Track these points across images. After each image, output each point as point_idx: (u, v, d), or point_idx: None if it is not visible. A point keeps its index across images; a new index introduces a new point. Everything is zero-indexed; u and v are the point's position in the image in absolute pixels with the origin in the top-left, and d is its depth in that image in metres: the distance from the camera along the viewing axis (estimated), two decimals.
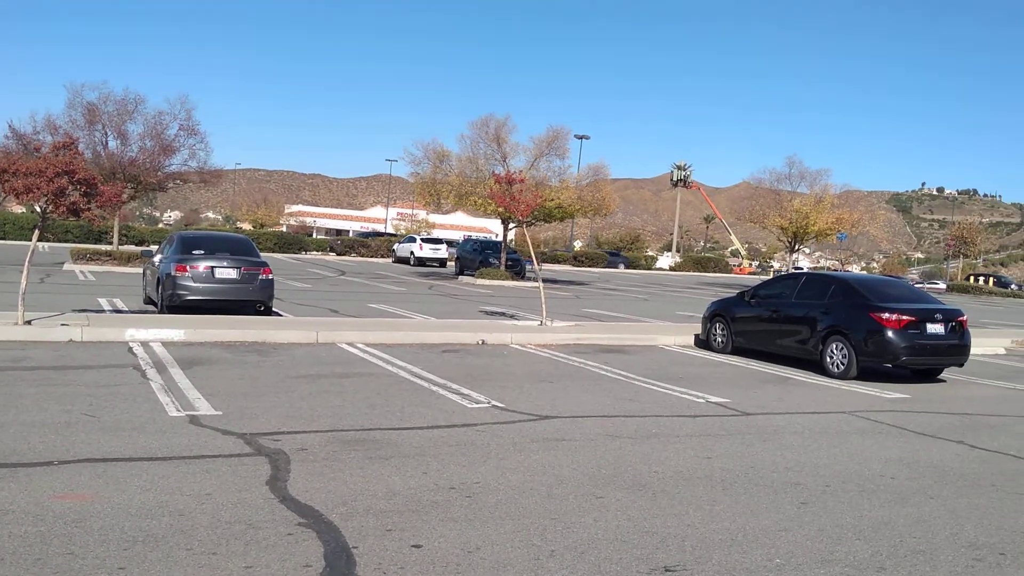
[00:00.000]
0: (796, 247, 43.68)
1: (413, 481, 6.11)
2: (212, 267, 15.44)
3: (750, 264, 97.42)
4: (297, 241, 59.59)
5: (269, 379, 10.02)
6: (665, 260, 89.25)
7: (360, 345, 13.24)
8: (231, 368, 10.65)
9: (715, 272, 71.23)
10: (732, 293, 16.80)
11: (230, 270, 15.58)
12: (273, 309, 16.66)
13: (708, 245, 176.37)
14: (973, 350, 15.41)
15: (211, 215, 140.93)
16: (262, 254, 17.59)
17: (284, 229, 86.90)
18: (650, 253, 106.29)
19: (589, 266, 65.03)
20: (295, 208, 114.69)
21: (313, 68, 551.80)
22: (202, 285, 15.31)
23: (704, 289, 40.24)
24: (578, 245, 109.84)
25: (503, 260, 37.86)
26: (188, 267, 15.28)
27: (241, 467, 6.24)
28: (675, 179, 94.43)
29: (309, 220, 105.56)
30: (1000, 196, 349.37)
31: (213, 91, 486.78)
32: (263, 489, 5.74)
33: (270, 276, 15.96)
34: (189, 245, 16.12)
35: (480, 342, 14.51)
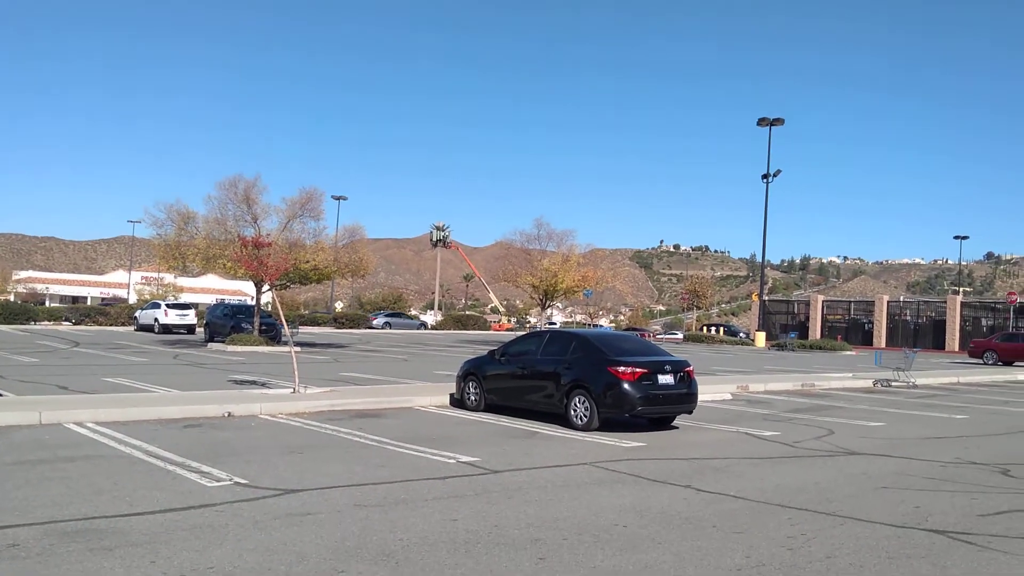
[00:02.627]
0: (548, 304, 45.56)
1: (139, 572, 5.69)
2: None
3: (509, 320, 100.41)
4: (25, 311, 54.55)
5: None
6: (427, 319, 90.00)
7: (90, 424, 12.26)
8: None
9: (475, 329, 72.70)
10: (488, 351, 17.19)
11: None
12: None
13: (469, 303, 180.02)
14: (703, 396, 16.70)
15: None
16: None
17: (11, 297, 79.44)
18: (413, 312, 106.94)
19: (350, 328, 64.35)
20: (24, 274, 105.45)
21: (41, 127, 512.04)
22: None
23: (464, 347, 40.91)
24: (339, 306, 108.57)
25: (256, 325, 36.62)
26: None
27: None
28: (435, 239, 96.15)
29: (41, 287, 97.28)
30: (729, 252, 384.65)
31: None
32: None
33: None
34: None
35: (226, 414, 13.89)
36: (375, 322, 68.68)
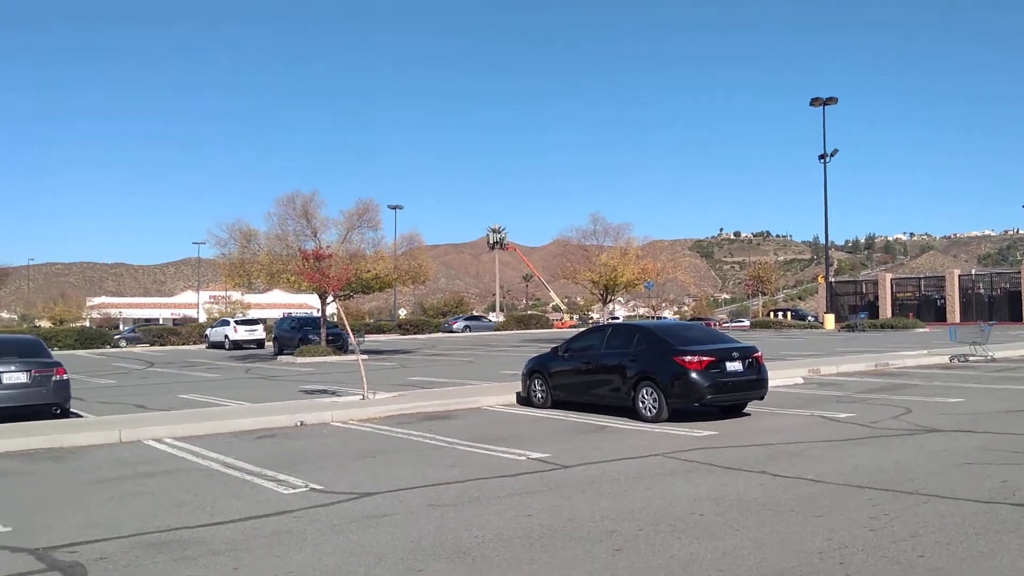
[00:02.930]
0: (608, 298, 45.35)
1: None
2: None
3: (571, 317, 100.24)
4: (100, 336, 56.19)
5: (66, 487, 9.34)
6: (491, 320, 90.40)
7: (168, 440, 12.57)
8: (23, 479, 9.86)
9: (537, 328, 72.76)
10: (552, 348, 17.18)
11: (19, 374, 14.48)
12: (71, 410, 15.59)
13: (530, 302, 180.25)
14: (774, 381, 16.46)
15: (4, 315, 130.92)
16: (63, 352, 16.51)
17: (87, 323, 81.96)
18: (475, 314, 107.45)
19: (415, 333, 64.93)
20: (97, 300, 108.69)
21: (104, 154, 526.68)
22: None
23: (527, 346, 40.95)
24: (403, 313, 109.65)
25: (323, 335, 37.16)
26: None
27: None
28: (491, 242, 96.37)
29: (114, 311, 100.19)
30: (791, 235, 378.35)
31: None
32: None
33: (65, 376, 14.95)
34: None
35: (298, 423, 14.12)
36: (455, 326, 70.47)
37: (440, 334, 65.41)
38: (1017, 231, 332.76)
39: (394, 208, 77.87)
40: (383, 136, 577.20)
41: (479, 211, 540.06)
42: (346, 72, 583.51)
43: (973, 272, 75.14)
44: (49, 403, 14.83)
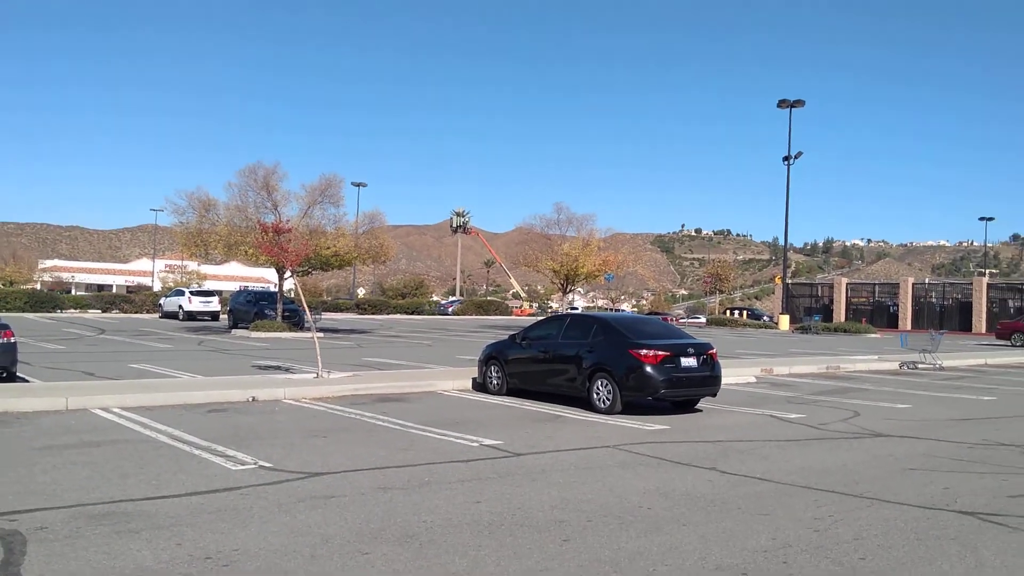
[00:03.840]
0: (568, 289, 45.47)
1: (165, 554, 5.73)
2: None
3: (530, 306, 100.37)
4: (52, 299, 55.09)
5: (8, 453, 9.14)
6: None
7: (116, 409, 12.36)
8: None
9: (496, 315, 72.75)
10: (510, 335, 17.17)
11: None
12: (18, 375, 15.27)
13: (491, 288, 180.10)
14: (727, 379, 16.63)
15: None
16: (12, 314, 16.15)
17: (38, 286, 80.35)
18: (434, 298, 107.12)
19: (373, 313, 64.58)
20: (50, 263, 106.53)
21: (64, 118, 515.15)
22: None
23: (485, 332, 40.94)
24: (361, 292, 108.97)
25: (279, 311, 36.81)
26: None
27: None
28: (455, 225, 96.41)
29: (67, 276, 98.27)
30: (751, 235, 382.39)
31: None
32: None
33: (12, 339, 14.62)
34: None
35: (250, 399, 13.97)
36: (450, 309, 73.24)
37: (399, 315, 65.10)
38: (971, 243, 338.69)
39: (358, 185, 77.23)
40: (349, 114, 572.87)
41: (443, 194, 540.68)
42: (314, 49, 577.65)
43: (927, 281, 76.68)
44: None
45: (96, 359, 21.30)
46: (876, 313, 67.98)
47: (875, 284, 78.43)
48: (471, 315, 71.36)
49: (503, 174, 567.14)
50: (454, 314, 71.47)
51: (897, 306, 67.59)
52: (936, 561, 6.06)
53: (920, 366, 25.28)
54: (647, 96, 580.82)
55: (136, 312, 54.21)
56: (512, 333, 16.83)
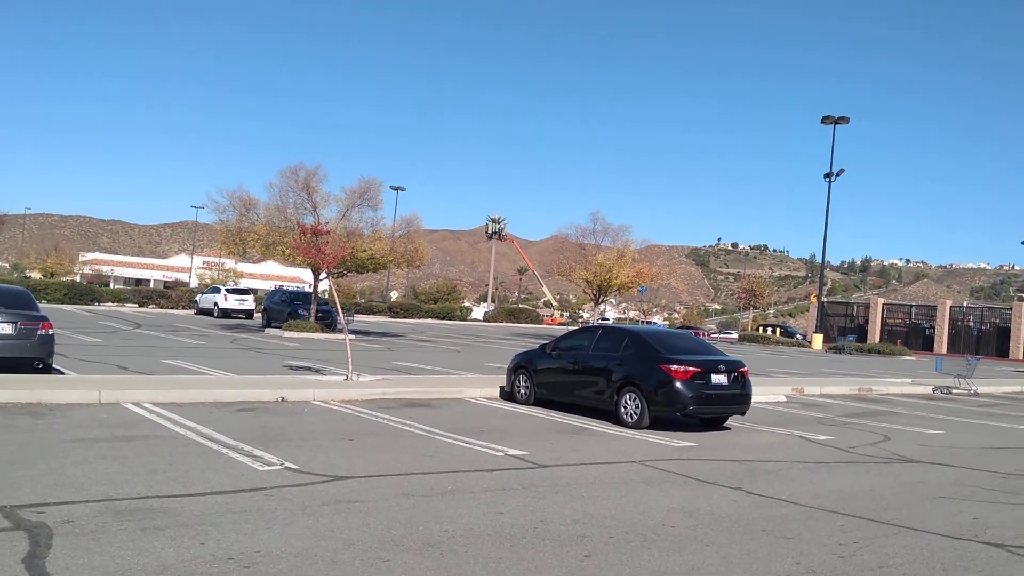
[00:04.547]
0: (601, 299, 45.38)
1: (188, 553, 5.79)
2: None
3: (561, 315, 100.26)
4: (90, 292, 55.96)
5: (40, 444, 9.29)
6: (480, 311, 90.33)
7: (147, 405, 12.52)
8: None
9: (527, 323, 72.74)
10: (539, 344, 17.16)
11: (4, 324, 14.35)
12: (54, 366, 15.52)
13: (522, 296, 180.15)
14: (757, 398, 16.47)
15: None
16: (51, 306, 16.42)
17: (77, 279, 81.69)
18: (466, 304, 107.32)
19: (405, 317, 64.87)
20: (90, 256, 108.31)
21: (110, 113, 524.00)
22: None
23: (515, 340, 40.95)
24: (394, 296, 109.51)
25: (313, 312, 37.09)
26: None
27: None
28: (490, 231, 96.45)
29: (106, 269, 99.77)
30: (788, 251, 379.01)
31: None
32: (17, 568, 5.28)
33: (50, 331, 14.86)
34: None
35: (280, 399, 14.08)
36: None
37: (430, 320, 65.31)
38: (1012, 267, 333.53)
39: (396, 189, 77.76)
40: (391, 115, 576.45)
41: (480, 200, 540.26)
42: (360, 50, 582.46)
43: (965, 304, 75.45)
44: (32, 357, 14.73)
45: (130, 353, 21.61)
46: (912, 335, 67.14)
47: (912, 305, 77.40)
48: (502, 322, 71.40)
49: (540, 181, 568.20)
50: (485, 320, 71.59)
51: (933, 329, 66.66)
52: None
53: (955, 391, 24.89)
54: (689, 104, 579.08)
55: (172, 308, 54.93)
56: (542, 343, 16.82)
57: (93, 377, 15.34)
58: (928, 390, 25.08)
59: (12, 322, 14.48)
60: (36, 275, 78.19)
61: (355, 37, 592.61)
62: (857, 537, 7.36)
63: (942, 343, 64.49)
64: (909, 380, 27.47)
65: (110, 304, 53.85)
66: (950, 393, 24.68)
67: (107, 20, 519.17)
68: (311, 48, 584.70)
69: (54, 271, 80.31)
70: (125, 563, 5.50)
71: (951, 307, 68.94)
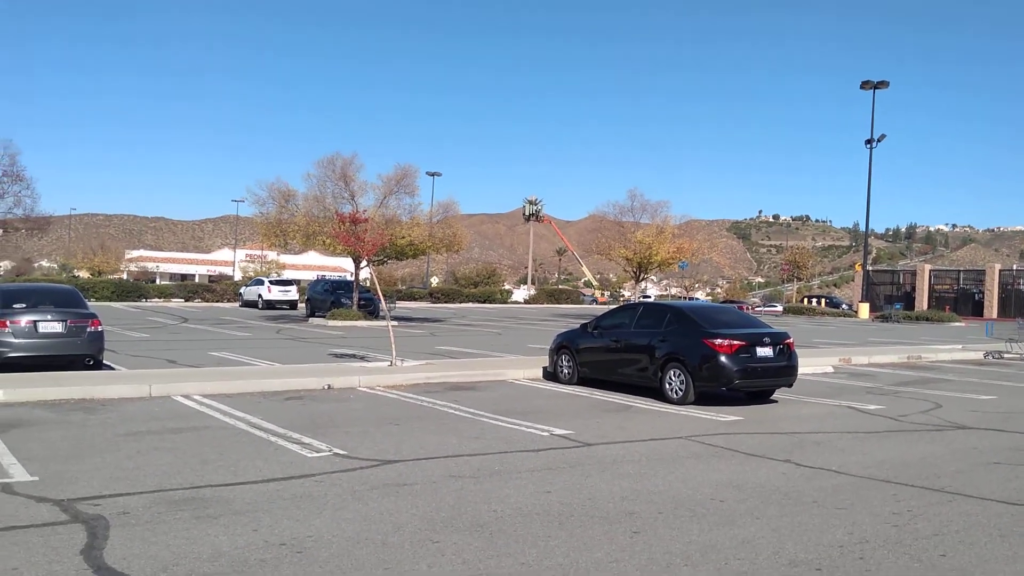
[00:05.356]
0: (642, 277, 45.10)
1: (242, 539, 5.88)
2: (35, 321, 14.55)
3: (602, 294, 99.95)
4: (137, 288, 56.91)
5: (94, 439, 9.48)
6: (520, 293, 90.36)
7: (197, 397, 12.73)
8: (53, 429, 10.02)
9: (568, 303, 72.66)
10: (581, 324, 17.12)
11: (55, 323, 14.72)
12: (104, 362, 15.83)
13: (562, 277, 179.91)
14: (803, 369, 16.31)
15: (45, 263, 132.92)
16: (99, 303, 16.75)
17: (124, 276, 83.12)
18: (506, 287, 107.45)
19: (446, 302, 65.13)
20: (136, 253, 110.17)
21: (150, 111, 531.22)
22: (25, 341, 14.43)
23: (557, 321, 40.93)
24: (435, 281, 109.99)
25: (355, 300, 37.36)
26: (8, 322, 14.37)
27: (54, 537, 5.86)
28: (527, 213, 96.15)
29: (152, 266, 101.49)
30: (831, 221, 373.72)
31: (41, 135, 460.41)
32: (76, 559, 5.41)
33: (99, 328, 15.17)
34: (9, 298, 15.19)
35: (326, 387, 14.23)
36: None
37: (471, 304, 65.52)
38: None
39: (432, 175, 77.79)
40: (424, 100, 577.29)
41: (516, 181, 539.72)
42: (390, 37, 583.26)
43: (1014, 268, 73.84)
44: (83, 354, 15.07)
45: (178, 347, 21.97)
46: (960, 301, 65.90)
47: (959, 271, 75.94)
48: (543, 303, 71.39)
49: (576, 161, 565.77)
50: (526, 302, 71.59)
51: (983, 294, 65.33)
52: (1020, 559, 5.86)
53: (1006, 356, 24.41)
54: (724, 77, 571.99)
55: (217, 301, 55.67)
56: (583, 322, 16.78)
57: (143, 371, 15.62)
58: (979, 356, 24.62)
59: (62, 320, 14.81)
60: (84, 274, 79.63)
61: (384, 25, 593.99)
62: (911, 506, 7.26)
63: (992, 308, 63.20)
64: (959, 346, 26.99)
65: (156, 300, 54.73)
66: (1001, 358, 24.21)
67: (143, 19, 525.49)
68: (341, 38, 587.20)
69: (101, 270, 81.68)
70: (180, 551, 5.60)
71: (1000, 271, 67.50)
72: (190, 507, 6.69)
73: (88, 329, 14.96)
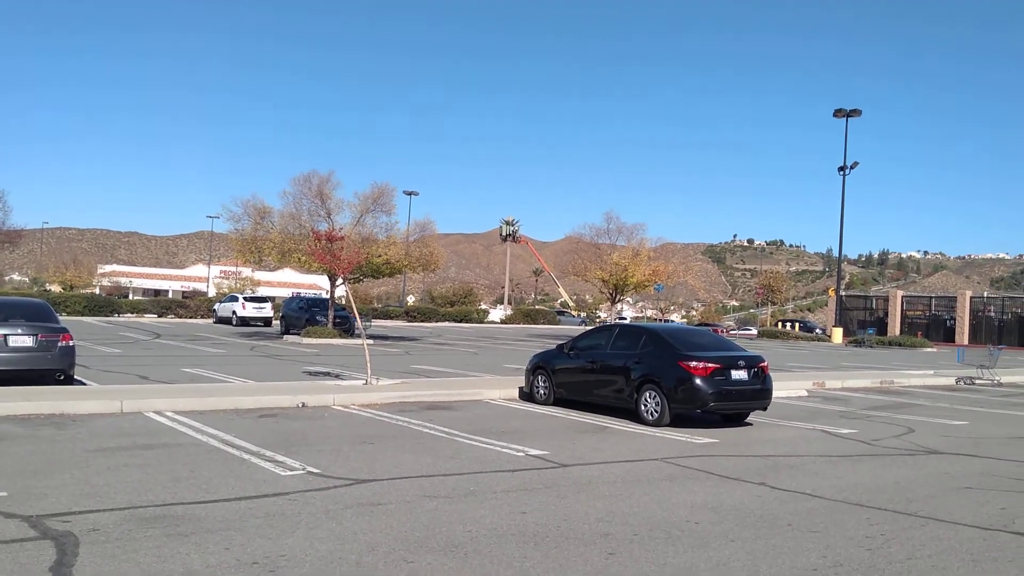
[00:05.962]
0: (617, 298, 45.27)
1: (213, 558, 5.80)
2: (5, 335, 14.33)
3: (578, 315, 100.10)
4: (109, 303, 56.31)
5: (64, 454, 9.34)
6: (497, 313, 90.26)
7: (168, 413, 12.58)
8: (22, 444, 9.86)
9: (544, 324, 72.66)
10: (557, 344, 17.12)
11: (25, 337, 14.50)
12: (75, 377, 15.63)
13: (539, 297, 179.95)
14: (778, 393, 16.40)
15: (16, 277, 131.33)
16: (71, 318, 16.56)
17: (96, 291, 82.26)
18: (483, 306, 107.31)
19: (422, 321, 64.93)
20: (109, 268, 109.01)
21: (124, 125, 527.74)
22: None
23: (533, 341, 40.91)
24: (411, 300, 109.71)
25: (331, 318, 37.19)
26: None
27: (23, 553, 5.75)
28: (504, 234, 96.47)
29: (124, 281, 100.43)
30: (804, 246, 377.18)
31: (13, 149, 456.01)
32: None
33: (71, 342, 14.97)
34: None
35: (300, 405, 14.12)
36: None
37: (448, 323, 65.37)
38: None
39: (409, 194, 77.90)
40: (400, 122, 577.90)
41: (493, 202, 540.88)
42: (367, 57, 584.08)
43: (985, 295, 74.74)
44: (53, 368, 14.86)
45: (151, 363, 21.73)
46: (932, 327, 66.55)
47: (931, 297, 76.75)
48: (519, 323, 71.37)
49: (553, 182, 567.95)
50: (502, 322, 71.53)
51: (954, 320, 66.05)
52: None
53: (977, 382, 24.67)
54: (700, 102, 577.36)
55: (191, 317, 55.21)
56: (560, 343, 16.79)
57: (114, 387, 15.43)
58: (951, 381, 24.87)
59: (33, 334, 14.61)
60: (56, 288, 78.74)
61: (363, 45, 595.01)
62: (884, 530, 7.30)
63: (963, 334, 63.92)
64: (931, 372, 27.26)
65: (129, 315, 54.17)
66: (973, 384, 24.47)
67: (119, 33, 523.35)
68: (320, 57, 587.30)
69: (73, 284, 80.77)
70: (151, 570, 5.52)
71: (971, 298, 68.31)
72: (161, 524, 6.59)
73: (59, 343, 14.76)
